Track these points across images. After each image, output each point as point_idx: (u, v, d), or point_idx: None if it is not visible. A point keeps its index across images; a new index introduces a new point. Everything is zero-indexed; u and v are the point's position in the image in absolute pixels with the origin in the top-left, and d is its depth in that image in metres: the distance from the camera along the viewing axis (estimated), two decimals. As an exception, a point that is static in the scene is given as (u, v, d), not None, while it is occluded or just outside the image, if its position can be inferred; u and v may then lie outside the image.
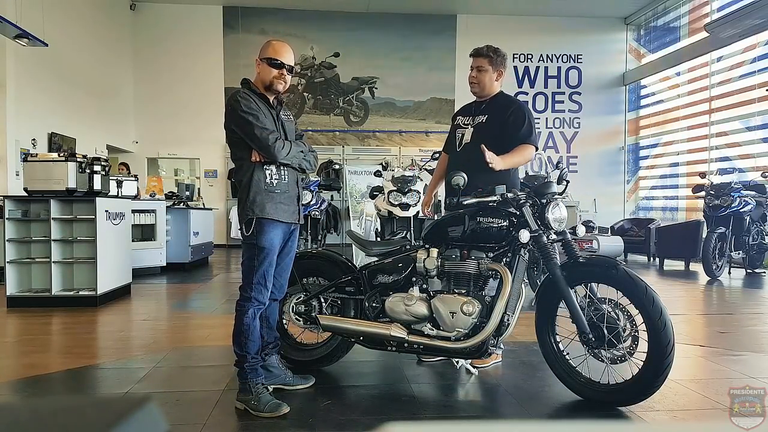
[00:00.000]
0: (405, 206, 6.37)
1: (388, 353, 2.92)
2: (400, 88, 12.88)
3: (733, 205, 7.25)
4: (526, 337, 3.61)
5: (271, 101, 2.68)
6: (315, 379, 2.90)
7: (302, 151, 2.68)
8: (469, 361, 3.02)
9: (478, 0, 12.23)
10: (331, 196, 11.43)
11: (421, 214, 6.09)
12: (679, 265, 8.76)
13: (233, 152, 2.66)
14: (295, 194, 2.73)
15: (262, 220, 2.58)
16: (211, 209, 9.65)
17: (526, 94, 13.12)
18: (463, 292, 2.69)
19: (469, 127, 3.22)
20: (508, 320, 2.60)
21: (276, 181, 2.62)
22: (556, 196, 2.69)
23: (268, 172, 2.61)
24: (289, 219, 2.67)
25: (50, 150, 8.41)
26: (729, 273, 7.56)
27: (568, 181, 3.14)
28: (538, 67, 13.14)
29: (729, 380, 2.96)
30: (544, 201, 2.64)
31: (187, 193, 8.59)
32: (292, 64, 2.68)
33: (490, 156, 2.86)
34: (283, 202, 2.64)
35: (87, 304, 5.03)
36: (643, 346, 2.43)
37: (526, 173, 11.86)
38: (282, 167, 2.66)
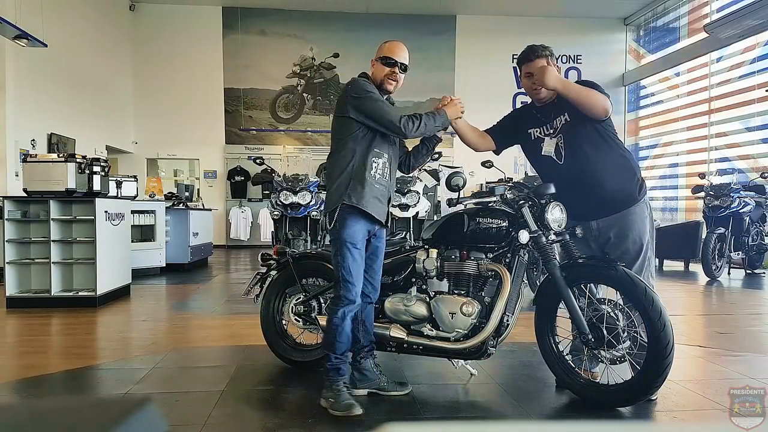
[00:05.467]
0: (404, 207, 6.38)
1: (388, 353, 2.91)
2: (399, 88, 12.85)
3: (732, 206, 7.25)
4: (526, 337, 3.61)
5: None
6: (411, 387, 2.79)
7: (426, 124, 2.68)
8: (468, 361, 3.02)
9: (478, 0, 12.23)
10: (331, 196, 11.42)
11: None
12: (678, 265, 8.75)
13: (341, 135, 2.59)
14: (389, 194, 2.67)
15: (348, 208, 2.51)
16: (210, 210, 9.65)
17: (525, 94, 13.10)
18: (463, 292, 2.69)
19: (549, 137, 2.78)
20: (507, 321, 2.60)
21: (378, 175, 2.58)
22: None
23: (373, 164, 2.56)
24: (378, 215, 2.58)
25: (49, 150, 8.40)
26: (728, 274, 7.56)
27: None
28: (537, 68, 13.12)
29: (729, 380, 2.96)
30: (543, 202, 2.64)
31: (187, 193, 8.59)
32: (407, 63, 2.71)
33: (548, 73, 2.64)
34: (378, 197, 2.58)
35: (86, 305, 5.03)
36: (642, 346, 2.43)
37: (526, 174, 11.87)
38: (387, 163, 2.62)
